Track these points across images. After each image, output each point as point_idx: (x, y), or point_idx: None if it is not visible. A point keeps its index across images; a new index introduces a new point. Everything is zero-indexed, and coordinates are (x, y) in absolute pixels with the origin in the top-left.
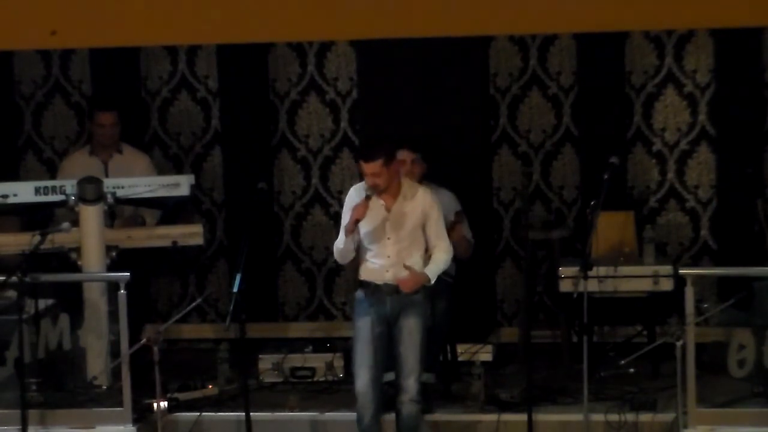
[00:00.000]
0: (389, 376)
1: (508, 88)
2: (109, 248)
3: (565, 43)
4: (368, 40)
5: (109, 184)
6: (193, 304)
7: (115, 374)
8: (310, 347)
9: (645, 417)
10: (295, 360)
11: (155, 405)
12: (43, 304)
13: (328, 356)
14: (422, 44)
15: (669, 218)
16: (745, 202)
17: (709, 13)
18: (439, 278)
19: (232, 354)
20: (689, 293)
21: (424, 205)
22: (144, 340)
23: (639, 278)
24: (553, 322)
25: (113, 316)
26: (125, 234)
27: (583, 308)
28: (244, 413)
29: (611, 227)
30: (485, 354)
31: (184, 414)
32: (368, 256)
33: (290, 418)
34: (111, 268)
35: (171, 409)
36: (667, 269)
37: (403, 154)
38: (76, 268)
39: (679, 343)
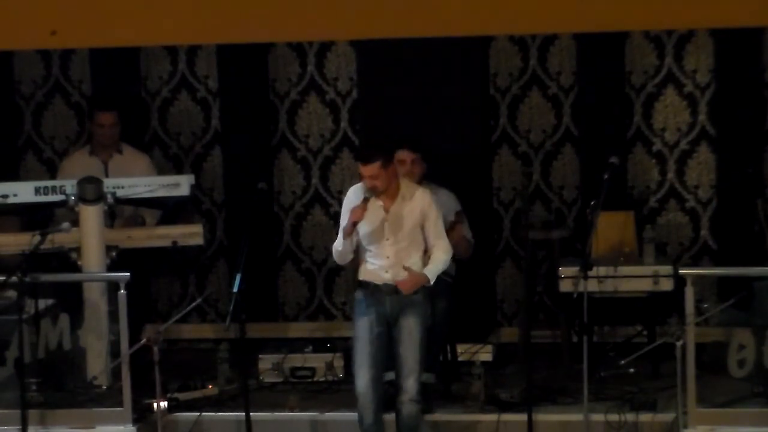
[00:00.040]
0: (389, 376)
1: (508, 88)
2: (109, 248)
3: (565, 43)
4: (368, 40)
5: (109, 184)
6: (193, 304)
7: (115, 374)
8: (310, 347)
9: (645, 417)
10: (295, 360)
11: (155, 405)
12: (43, 304)
13: (328, 356)
14: (422, 44)
15: (669, 218)
16: (745, 202)
17: (709, 13)
18: (439, 278)
19: (232, 354)
20: (689, 293)
21: (422, 206)
22: (144, 340)
23: (639, 278)
24: (553, 322)
25: (113, 316)
26: (125, 234)
27: (583, 308)
28: (244, 413)
29: (611, 227)
30: (485, 354)
31: (184, 414)
32: (367, 256)
33: (290, 418)
34: (111, 268)
35: (171, 409)
36: (667, 269)
37: (403, 154)
38: (76, 268)
39: (679, 343)
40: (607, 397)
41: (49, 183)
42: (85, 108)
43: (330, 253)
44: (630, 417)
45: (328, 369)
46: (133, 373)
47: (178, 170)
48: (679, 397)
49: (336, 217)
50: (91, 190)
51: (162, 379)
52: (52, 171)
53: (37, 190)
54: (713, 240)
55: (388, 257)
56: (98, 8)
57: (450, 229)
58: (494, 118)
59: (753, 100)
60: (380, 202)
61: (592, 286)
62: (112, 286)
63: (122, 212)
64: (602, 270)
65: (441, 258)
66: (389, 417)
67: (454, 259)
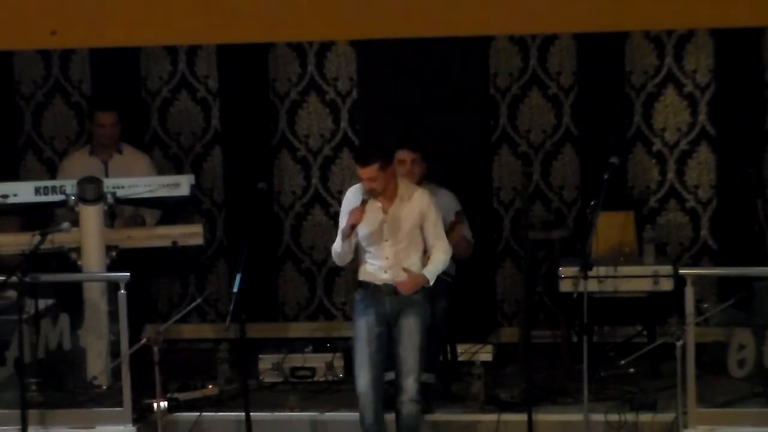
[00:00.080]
0: (389, 376)
1: (508, 88)
2: (109, 248)
3: (565, 43)
4: (368, 40)
5: (109, 184)
6: (193, 304)
7: (115, 374)
8: (310, 347)
9: (645, 417)
10: (295, 360)
11: (155, 405)
12: (43, 304)
13: (328, 356)
14: (422, 44)
15: (669, 218)
16: (745, 202)
17: (709, 13)
18: (439, 278)
19: (232, 354)
20: (689, 293)
21: (421, 206)
22: (144, 340)
23: (639, 278)
24: (553, 322)
25: (113, 316)
26: (125, 234)
27: (583, 308)
28: (244, 413)
29: (611, 227)
30: (485, 354)
31: (184, 414)
32: (367, 257)
33: (290, 418)
34: (111, 268)
35: (171, 409)
36: (667, 269)
37: (403, 154)
38: (76, 268)
39: (679, 343)
40: (607, 397)
41: (49, 183)
42: (85, 108)
43: (330, 253)
44: (630, 417)
45: (328, 369)
46: (133, 373)
47: (178, 170)
48: (679, 397)
49: (336, 217)
50: (91, 190)
51: (162, 379)
52: (52, 171)
53: (37, 190)
54: (713, 240)
55: (387, 258)
56: (98, 8)
57: (450, 230)
58: (494, 118)
59: (753, 100)
60: (379, 204)
61: (592, 286)
62: (112, 286)
63: (122, 212)
64: (602, 270)
65: (440, 258)
66: (389, 417)
67: (454, 259)
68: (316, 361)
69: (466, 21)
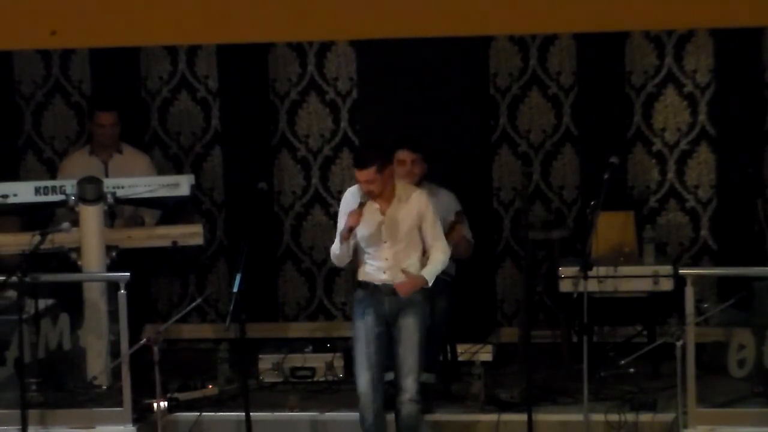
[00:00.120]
0: (389, 376)
1: (508, 88)
2: (109, 248)
3: (565, 43)
4: (368, 40)
5: (109, 184)
6: (193, 304)
7: (115, 374)
8: (310, 347)
9: (645, 417)
10: (295, 360)
11: (155, 405)
12: (43, 304)
13: (328, 356)
14: (422, 44)
15: (669, 218)
16: (745, 202)
17: (709, 13)
18: (439, 278)
19: (232, 354)
20: (689, 293)
21: (419, 207)
22: (144, 340)
23: (639, 278)
24: (553, 322)
25: (113, 316)
26: (125, 234)
27: (583, 308)
28: (244, 413)
29: (611, 227)
30: (485, 354)
31: (184, 414)
32: (366, 258)
33: (290, 418)
34: (111, 268)
35: (171, 409)
36: (667, 269)
37: (403, 155)
38: (76, 268)
39: (679, 343)
40: (607, 397)
41: (49, 183)
42: (85, 108)
43: (330, 253)
44: (630, 417)
45: (328, 369)
46: (133, 373)
47: (178, 170)
48: (679, 397)
49: (336, 217)
50: (91, 190)
51: (162, 379)
52: (52, 171)
53: (37, 190)
54: (713, 240)
55: (386, 259)
56: (98, 8)
57: (450, 230)
58: (494, 118)
59: (753, 100)
60: (377, 206)
61: (592, 286)
62: (112, 286)
63: (122, 212)
64: (602, 270)
65: (439, 259)
66: (389, 417)
67: (454, 259)
68: (316, 361)
69: (466, 21)
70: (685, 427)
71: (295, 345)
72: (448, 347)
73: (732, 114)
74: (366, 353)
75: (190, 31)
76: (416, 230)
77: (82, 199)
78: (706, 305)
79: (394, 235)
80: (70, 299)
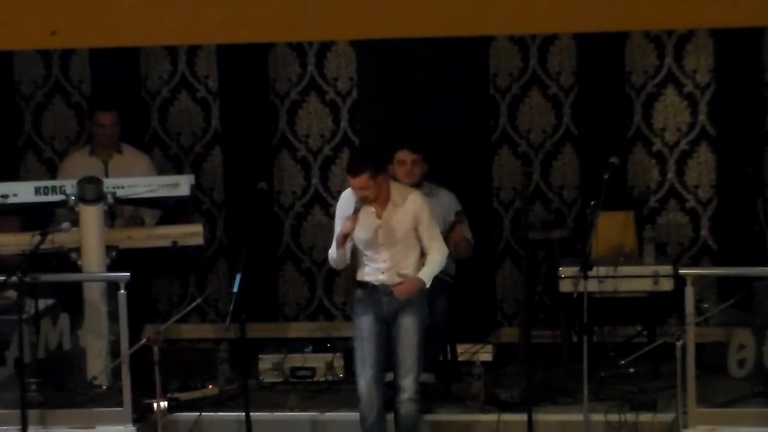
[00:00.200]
0: (388, 376)
1: (508, 88)
2: (109, 248)
3: (565, 43)
4: (368, 40)
5: (109, 184)
6: (193, 304)
7: (115, 374)
8: (310, 347)
9: (645, 417)
10: (295, 360)
11: (155, 405)
12: (43, 304)
13: (328, 356)
14: (422, 44)
15: (669, 218)
16: (745, 202)
17: (709, 13)
18: (439, 278)
19: (232, 354)
20: (689, 293)
21: (414, 209)
22: (144, 340)
23: (639, 278)
24: (553, 322)
25: (113, 316)
26: (125, 234)
27: (583, 308)
28: (244, 413)
29: (611, 227)
30: (485, 354)
31: (184, 414)
32: (364, 260)
33: (290, 418)
34: (111, 268)
35: (171, 409)
36: (667, 269)
37: (404, 155)
38: (76, 268)
39: (679, 343)
40: (607, 397)
41: (49, 183)
42: (85, 108)
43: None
44: (630, 417)
45: (328, 369)
46: (133, 373)
47: (178, 170)
48: (679, 397)
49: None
50: (91, 190)
51: (162, 379)
52: (52, 171)
53: (37, 190)
54: (713, 240)
55: (384, 261)
56: (98, 8)
57: (450, 230)
58: (494, 118)
59: (753, 100)
60: (372, 209)
61: (592, 286)
62: (112, 286)
63: (122, 212)
64: (602, 270)
65: (436, 260)
66: (389, 417)
67: (455, 259)
68: (316, 361)
69: (466, 21)
70: (685, 427)
71: (295, 345)
72: (448, 347)
73: (732, 114)
74: (366, 353)
75: (190, 31)
76: (413, 232)
77: (82, 199)
78: (706, 305)
79: (391, 239)
80: (70, 299)
